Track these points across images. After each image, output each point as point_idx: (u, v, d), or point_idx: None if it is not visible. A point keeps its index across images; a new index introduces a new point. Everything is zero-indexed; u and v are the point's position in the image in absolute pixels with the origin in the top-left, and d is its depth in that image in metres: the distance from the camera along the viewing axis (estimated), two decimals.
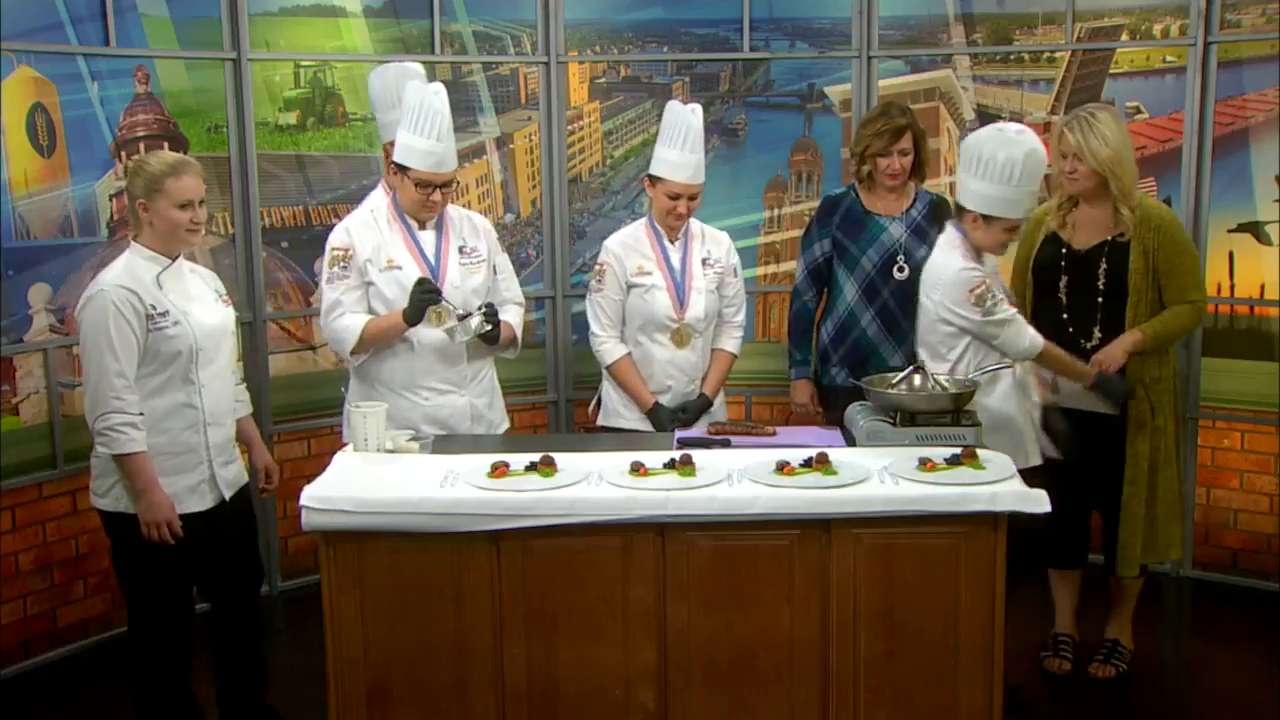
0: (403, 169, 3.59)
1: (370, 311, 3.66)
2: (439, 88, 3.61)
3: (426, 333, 3.62)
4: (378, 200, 3.85)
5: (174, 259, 3.31)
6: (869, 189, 4.04)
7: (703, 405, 3.91)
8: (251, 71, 4.67)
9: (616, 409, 3.95)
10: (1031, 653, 4.06)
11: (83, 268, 4.29)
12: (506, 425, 3.94)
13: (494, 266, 3.80)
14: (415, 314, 3.53)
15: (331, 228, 4.46)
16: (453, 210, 3.78)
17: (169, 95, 4.51)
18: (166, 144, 4.42)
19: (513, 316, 3.79)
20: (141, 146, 4.41)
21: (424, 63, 4.99)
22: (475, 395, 3.77)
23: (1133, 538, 3.82)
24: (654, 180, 3.85)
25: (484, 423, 3.80)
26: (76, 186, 4.28)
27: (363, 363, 3.70)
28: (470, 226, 3.79)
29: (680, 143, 3.78)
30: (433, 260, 3.68)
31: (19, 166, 4.13)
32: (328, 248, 3.70)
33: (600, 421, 4.04)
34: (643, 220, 3.97)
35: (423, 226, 3.70)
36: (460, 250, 3.72)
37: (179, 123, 4.54)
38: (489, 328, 3.59)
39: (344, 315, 3.62)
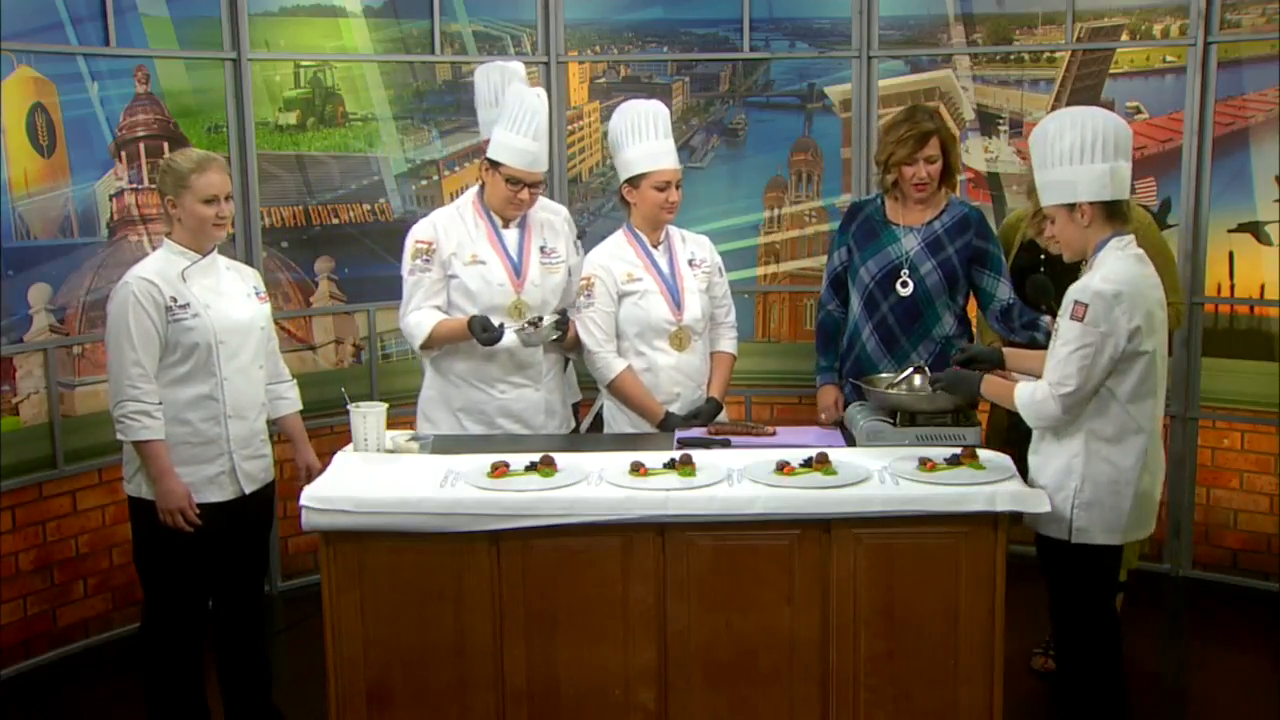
0: (495, 164, 3.65)
1: (451, 304, 3.71)
2: (540, 92, 3.71)
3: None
4: (463, 199, 3.88)
5: (205, 254, 3.36)
6: (896, 199, 3.81)
7: (714, 410, 3.84)
8: (251, 71, 4.67)
9: (623, 429, 3.83)
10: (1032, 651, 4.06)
11: (83, 268, 4.30)
12: (573, 423, 3.97)
13: (569, 269, 3.83)
14: (476, 335, 3.55)
15: (331, 228, 4.45)
16: (534, 212, 3.81)
17: (169, 95, 4.51)
18: (166, 144, 4.43)
19: None
20: (141, 146, 4.41)
21: (423, 63, 5.02)
22: (549, 390, 3.81)
23: None
24: (635, 182, 3.76)
25: (557, 417, 3.85)
26: (76, 186, 4.28)
27: (439, 355, 3.75)
28: (551, 229, 3.83)
29: (653, 133, 3.74)
30: (515, 258, 3.72)
31: (19, 166, 4.13)
32: (410, 240, 3.74)
33: None
34: (620, 232, 3.88)
35: (506, 224, 3.74)
36: (541, 250, 3.77)
37: (179, 123, 4.53)
38: (559, 334, 3.63)
39: (418, 310, 3.68)
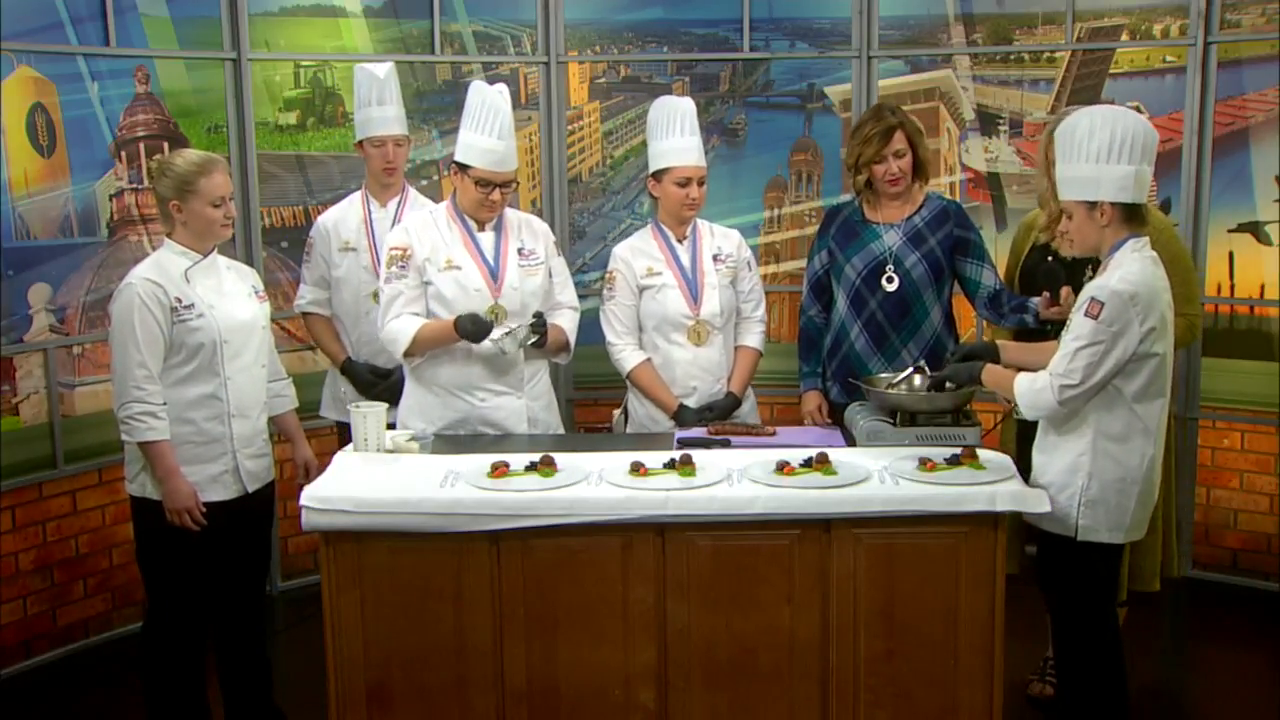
0: (463, 168, 3.60)
1: (429, 311, 3.65)
2: (502, 88, 3.62)
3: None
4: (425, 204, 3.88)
5: (206, 254, 3.36)
6: (870, 200, 3.82)
7: (730, 404, 3.84)
8: (251, 71, 4.68)
9: (642, 422, 3.88)
10: (1037, 651, 4.03)
11: (83, 268, 4.30)
12: (561, 431, 3.91)
13: (550, 270, 3.78)
14: (467, 334, 3.50)
15: None
16: (511, 213, 3.78)
17: (169, 95, 4.51)
18: (167, 144, 4.43)
19: (566, 321, 3.77)
20: (141, 146, 4.41)
21: (424, 63, 5.02)
22: (531, 398, 3.74)
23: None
24: (659, 176, 3.80)
25: (540, 426, 3.76)
26: (76, 186, 4.28)
27: (419, 363, 3.68)
28: (529, 229, 3.78)
29: (679, 129, 3.77)
30: (492, 261, 3.66)
31: (19, 166, 4.13)
32: (385, 247, 3.70)
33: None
34: (648, 226, 3.93)
35: (482, 228, 3.69)
36: (519, 252, 3.70)
37: (179, 123, 4.54)
38: (536, 338, 3.57)
39: (399, 317, 3.61)
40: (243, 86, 4.66)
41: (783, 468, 3.11)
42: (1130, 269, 2.96)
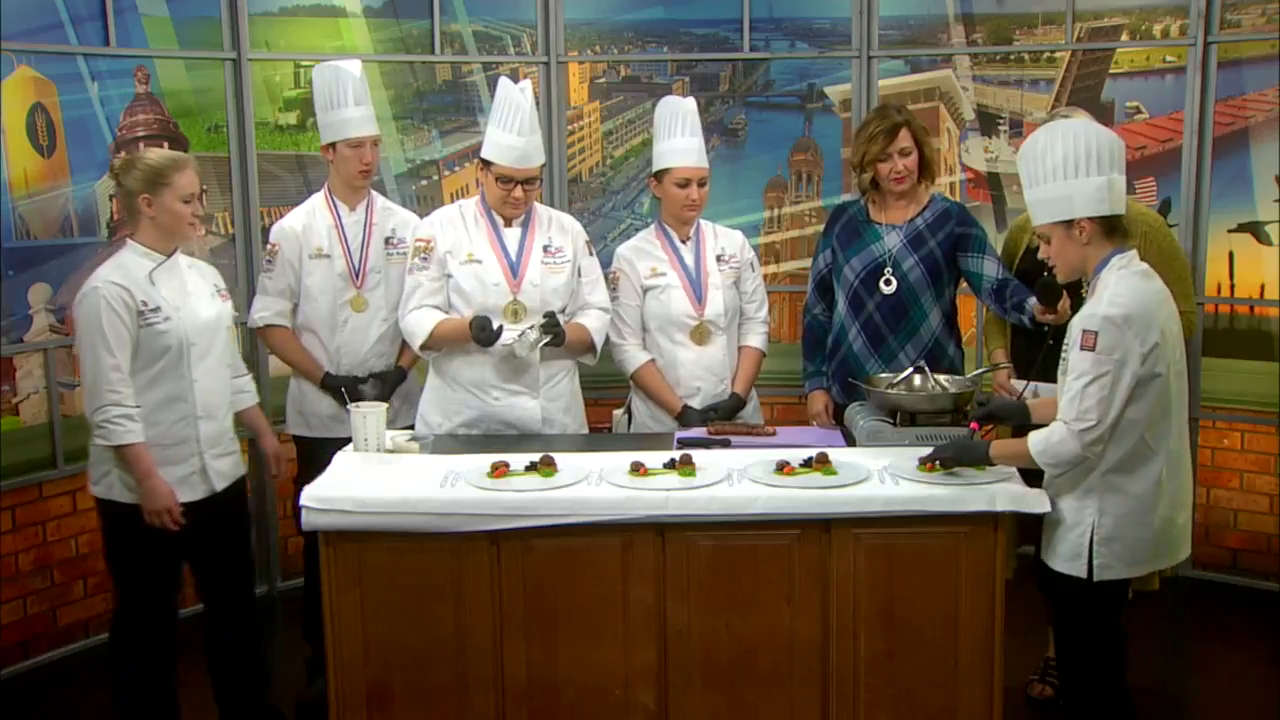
0: (486, 164, 3.62)
1: (449, 304, 3.67)
2: (526, 85, 3.64)
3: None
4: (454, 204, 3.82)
5: (169, 255, 3.33)
6: (876, 200, 3.83)
7: (735, 405, 3.84)
8: (251, 71, 4.68)
9: (644, 422, 3.88)
10: (1037, 651, 4.04)
11: (83, 268, 4.29)
12: (585, 433, 3.88)
13: (579, 269, 3.76)
14: (476, 339, 3.51)
15: None
16: (542, 210, 3.79)
17: (169, 95, 4.51)
18: (167, 144, 4.42)
19: (592, 321, 3.74)
20: (141, 146, 4.41)
21: (424, 63, 5.02)
22: (548, 399, 3.72)
23: None
24: (660, 176, 3.81)
25: (557, 427, 3.74)
26: (76, 186, 4.28)
27: (438, 359, 3.71)
28: (559, 226, 3.77)
29: (680, 130, 3.78)
30: (514, 257, 3.67)
31: (19, 166, 4.13)
32: (412, 239, 3.75)
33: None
34: (652, 226, 3.94)
35: (508, 223, 3.70)
36: (545, 249, 3.70)
37: (179, 123, 4.54)
38: (547, 339, 3.54)
39: (419, 309, 3.63)
40: (243, 86, 4.66)
41: (783, 468, 3.11)
42: (1119, 289, 2.81)
